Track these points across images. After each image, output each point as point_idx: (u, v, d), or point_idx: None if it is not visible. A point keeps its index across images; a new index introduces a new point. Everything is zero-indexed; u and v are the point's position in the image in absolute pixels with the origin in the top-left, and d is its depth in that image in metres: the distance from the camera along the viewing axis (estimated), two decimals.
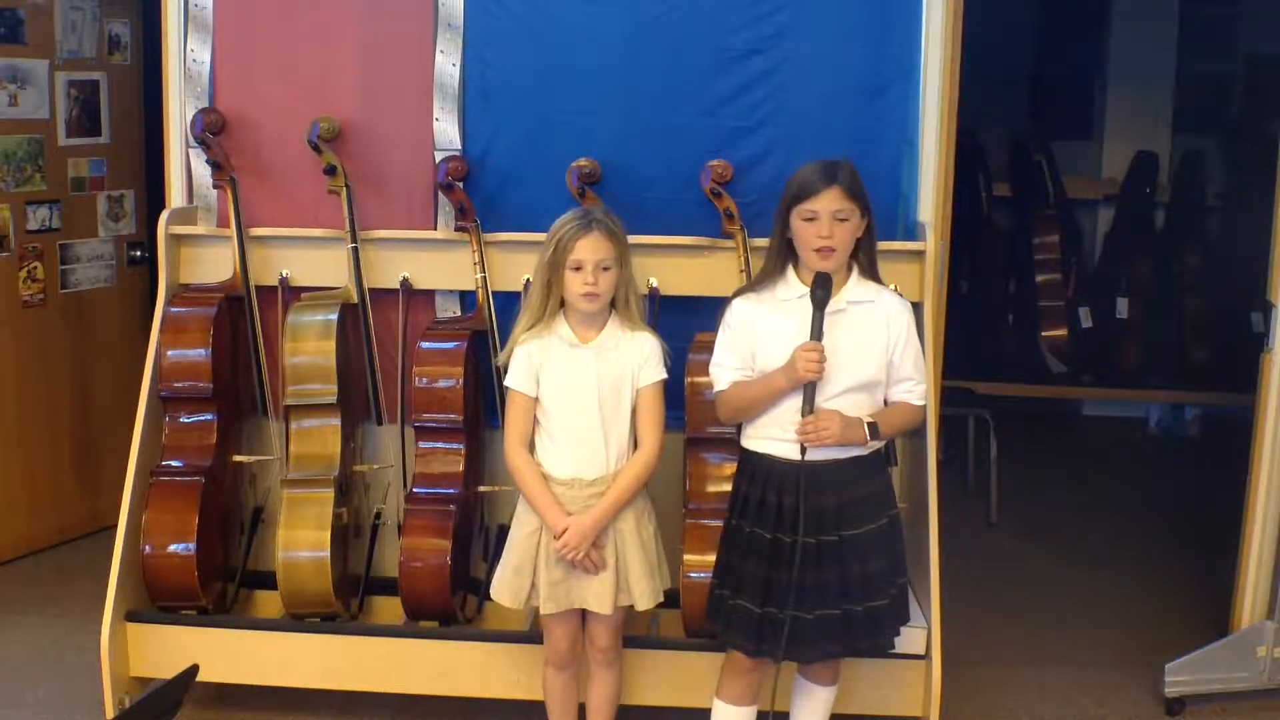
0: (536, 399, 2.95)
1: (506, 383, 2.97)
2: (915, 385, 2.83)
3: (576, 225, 2.87)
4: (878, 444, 2.79)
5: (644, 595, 2.97)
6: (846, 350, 2.74)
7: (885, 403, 2.83)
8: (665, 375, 2.98)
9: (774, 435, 2.78)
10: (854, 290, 2.79)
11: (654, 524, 3.04)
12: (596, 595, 2.94)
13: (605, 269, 2.86)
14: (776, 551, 2.76)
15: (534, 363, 2.93)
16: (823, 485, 2.75)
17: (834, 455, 2.75)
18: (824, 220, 2.70)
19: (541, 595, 2.94)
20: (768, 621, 2.77)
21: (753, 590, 2.79)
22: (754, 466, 2.82)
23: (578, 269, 2.85)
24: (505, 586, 3.00)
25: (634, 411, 2.95)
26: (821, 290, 2.71)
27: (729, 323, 2.85)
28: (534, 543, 2.95)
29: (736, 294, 2.89)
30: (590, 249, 2.85)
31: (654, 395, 2.96)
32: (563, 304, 2.93)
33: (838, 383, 2.74)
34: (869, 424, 2.75)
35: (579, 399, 2.91)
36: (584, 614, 3.01)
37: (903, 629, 2.93)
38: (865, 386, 2.78)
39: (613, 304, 2.95)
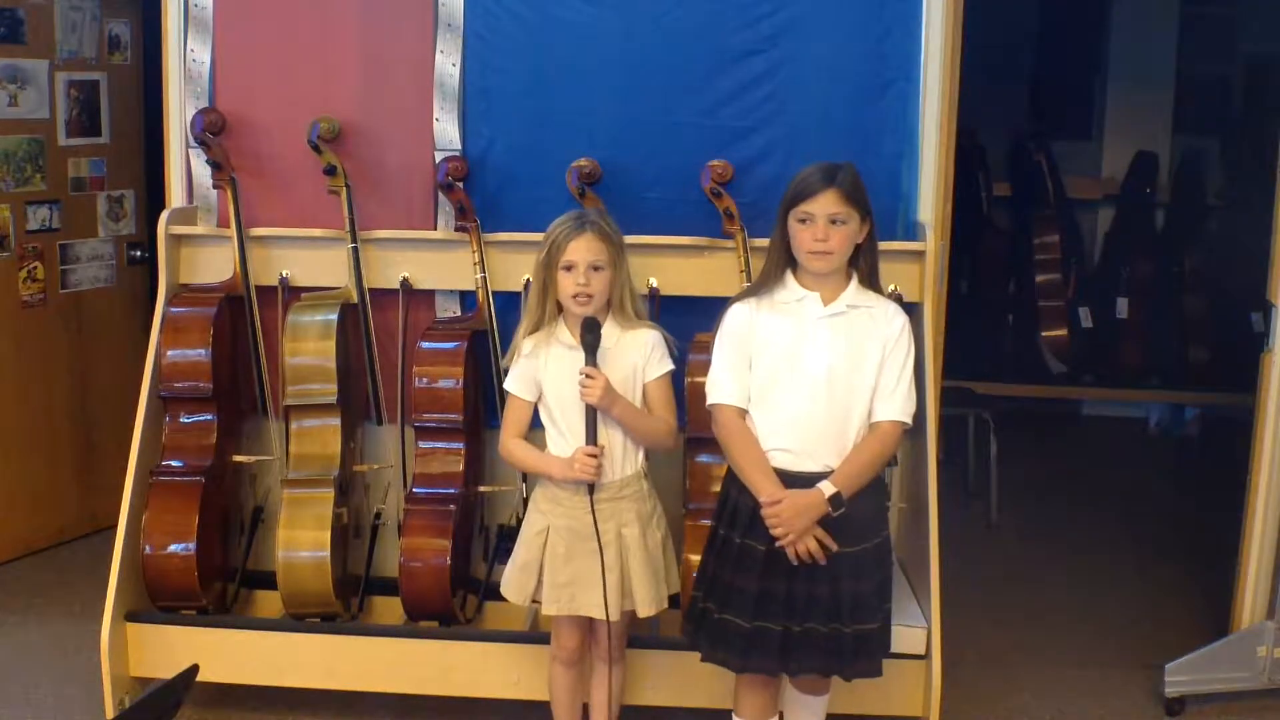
0: (540, 400, 2.95)
1: (505, 386, 2.99)
2: (891, 398, 2.72)
3: (569, 226, 2.87)
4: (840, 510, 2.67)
5: (646, 602, 2.95)
6: (850, 354, 2.71)
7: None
8: (672, 366, 2.96)
9: (771, 445, 2.74)
10: (853, 296, 2.75)
11: (664, 529, 3.03)
12: (597, 604, 2.91)
13: (597, 269, 2.85)
14: (772, 562, 2.71)
15: (534, 368, 2.93)
16: None
17: (828, 464, 2.72)
18: (819, 222, 2.66)
19: (546, 597, 2.94)
20: (759, 634, 2.72)
21: (742, 604, 2.73)
22: None
23: (569, 269, 2.85)
24: (512, 582, 3.03)
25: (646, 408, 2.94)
26: (591, 335, 2.77)
27: (725, 331, 2.80)
28: (541, 542, 2.94)
29: (736, 298, 2.86)
30: (582, 250, 2.84)
31: (662, 387, 2.95)
32: (561, 307, 2.93)
33: (844, 390, 2.72)
34: (830, 497, 2.66)
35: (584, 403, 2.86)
36: None
37: (903, 629, 2.92)
38: (870, 392, 2.73)
39: (609, 306, 2.93)
